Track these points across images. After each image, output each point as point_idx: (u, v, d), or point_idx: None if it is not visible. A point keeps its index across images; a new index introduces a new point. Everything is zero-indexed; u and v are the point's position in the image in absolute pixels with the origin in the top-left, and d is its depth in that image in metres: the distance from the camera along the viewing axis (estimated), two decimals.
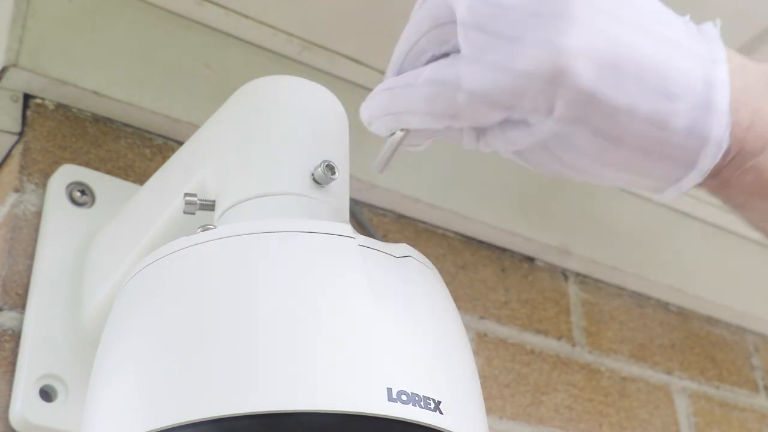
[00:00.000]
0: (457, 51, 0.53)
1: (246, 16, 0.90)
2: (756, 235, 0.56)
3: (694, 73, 0.51)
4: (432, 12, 0.54)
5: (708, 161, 0.51)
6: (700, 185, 0.53)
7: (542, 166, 0.55)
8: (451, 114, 0.52)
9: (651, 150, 0.51)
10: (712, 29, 0.54)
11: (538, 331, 1.02)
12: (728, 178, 0.53)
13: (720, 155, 0.51)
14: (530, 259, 1.06)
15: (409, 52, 0.55)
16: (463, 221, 0.99)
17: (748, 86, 0.52)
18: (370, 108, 0.55)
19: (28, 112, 0.81)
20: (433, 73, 0.52)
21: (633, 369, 1.08)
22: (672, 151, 0.51)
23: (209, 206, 0.60)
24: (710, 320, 1.20)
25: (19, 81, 0.80)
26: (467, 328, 0.68)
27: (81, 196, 0.79)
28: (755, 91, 0.52)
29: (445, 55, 0.54)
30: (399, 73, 0.56)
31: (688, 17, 0.55)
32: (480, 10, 0.51)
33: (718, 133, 0.51)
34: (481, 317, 0.98)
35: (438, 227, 1.00)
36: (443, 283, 0.57)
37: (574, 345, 1.05)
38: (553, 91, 0.50)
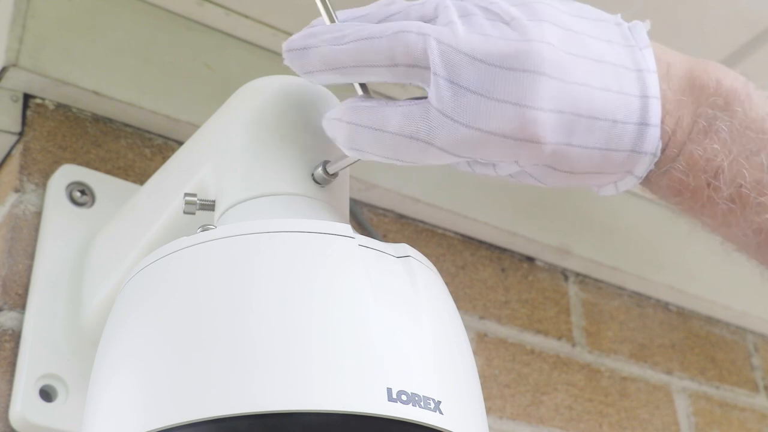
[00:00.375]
0: (417, 87, 0.53)
1: (246, 16, 0.90)
2: None
3: (633, 90, 0.54)
4: (405, 50, 0.52)
5: (643, 170, 0.55)
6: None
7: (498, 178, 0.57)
8: (419, 162, 0.53)
9: (597, 171, 0.54)
10: (641, 30, 0.56)
11: (538, 331, 1.02)
12: (649, 179, 0.56)
13: (653, 164, 0.54)
14: (530, 259, 1.06)
15: (359, 65, 0.54)
16: (463, 221, 0.99)
17: (672, 93, 0.55)
18: (333, 132, 0.55)
19: (28, 112, 0.81)
20: (404, 125, 0.52)
21: (633, 369, 1.08)
22: (615, 168, 0.54)
23: (209, 206, 0.60)
24: (710, 320, 1.20)
25: (19, 81, 0.80)
26: (467, 328, 0.68)
27: (81, 196, 0.79)
28: (678, 98, 0.55)
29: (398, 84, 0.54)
30: (334, 67, 0.54)
31: (619, 17, 0.56)
32: (451, 58, 0.51)
33: (652, 147, 0.54)
34: (481, 317, 0.98)
35: (438, 227, 1.00)
36: (443, 283, 0.57)
37: (574, 345, 1.05)
38: (519, 150, 0.52)
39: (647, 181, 0.56)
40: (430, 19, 0.54)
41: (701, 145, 0.54)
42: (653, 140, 0.54)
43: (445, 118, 0.51)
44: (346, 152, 0.55)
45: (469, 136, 0.51)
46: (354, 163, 0.57)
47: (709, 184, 0.55)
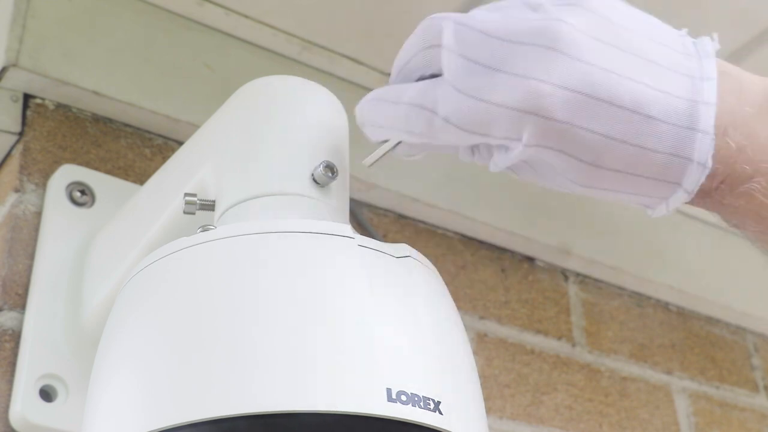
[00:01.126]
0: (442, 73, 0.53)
1: (246, 16, 0.90)
2: None
3: (679, 92, 0.51)
4: (423, 34, 0.54)
5: (692, 182, 0.51)
6: (695, 203, 0.53)
7: (534, 181, 0.56)
8: (428, 136, 0.53)
9: (632, 171, 0.51)
10: (708, 44, 0.53)
11: (538, 331, 1.02)
12: (720, 200, 0.52)
13: (704, 177, 0.51)
14: (530, 259, 1.06)
15: (402, 69, 0.56)
16: (463, 221, 0.99)
17: (743, 107, 0.51)
18: (362, 113, 0.57)
19: (28, 112, 0.81)
20: (416, 95, 0.54)
21: (633, 369, 1.08)
22: (654, 172, 0.51)
23: (209, 206, 0.60)
24: (710, 320, 1.20)
25: (19, 81, 0.80)
26: (467, 328, 0.68)
27: (81, 196, 0.79)
28: (751, 112, 0.51)
29: (434, 75, 0.54)
30: (395, 83, 0.57)
31: (685, 31, 0.54)
32: (465, 35, 0.52)
33: (701, 155, 0.50)
34: (481, 317, 0.98)
35: (438, 227, 1.00)
36: (443, 283, 0.57)
37: (574, 345, 1.05)
38: (523, 124, 0.51)
39: (717, 203, 0.52)
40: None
41: None
42: (703, 148, 0.50)
43: (453, 90, 0.52)
44: (371, 132, 0.57)
45: (474, 107, 0.51)
46: (389, 150, 0.57)
47: None
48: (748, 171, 0.51)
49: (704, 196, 0.52)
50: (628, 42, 0.52)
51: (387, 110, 0.55)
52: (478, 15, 0.53)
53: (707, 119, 0.50)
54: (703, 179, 0.51)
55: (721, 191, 0.52)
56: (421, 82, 0.54)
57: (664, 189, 0.52)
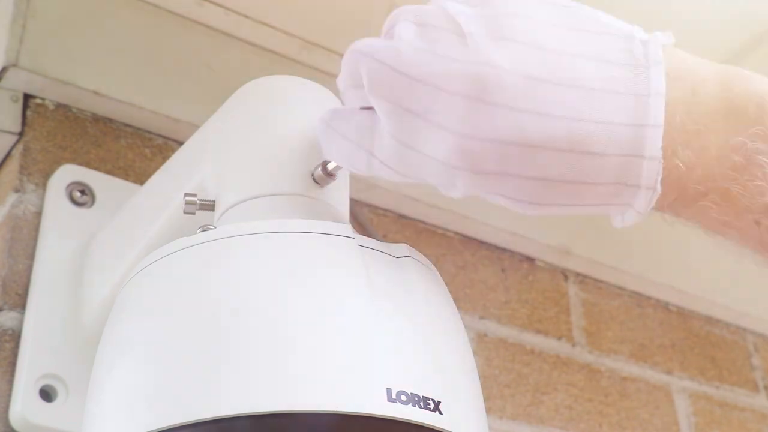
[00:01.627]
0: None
1: (246, 16, 0.90)
2: None
3: (622, 118, 0.48)
4: (348, 70, 0.52)
5: (643, 205, 0.49)
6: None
7: None
8: (371, 174, 0.53)
9: (576, 203, 0.50)
10: (655, 45, 0.49)
11: (538, 331, 1.02)
12: (676, 214, 0.51)
13: (653, 200, 0.49)
14: (530, 259, 1.06)
15: (344, 89, 0.54)
16: (463, 221, 0.99)
17: (694, 119, 0.48)
18: (320, 138, 0.55)
19: (28, 112, 0.81)
20: (356, 134, 0.52)
21: (633, 369, 1.08)
22: (600, 201, 0.50)
23: (209, 206, 0.60)
24: (710, 320, 1.20)
25: (19, 81, 0.80)
26: (467, 328, 0.68)
27: (81, 196, 0.79)
28: (701, 125, 0.48)
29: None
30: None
31: (635, 29, 0.50)
32: (386, 77, 0.49)
33: (649, 181, 0.48)
34: (481, 317, 0.98)
35: (438, 227, 1.00)
36: (443, 283, 0.57)
37: (574, 345, 1.05)
38: (453, 175, 0.49)
39: (676, 215, 0.51)
40: (390, 30, 0.52)
41: (739, 183, 0.48)
42: (651, 174, 0.48)
43: (386, 135, 0.50)
44: (325, 156, 0.56)
45: (407, 156, 0.50)
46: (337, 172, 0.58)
47: (759, 223, 0.49)
48: (700, 189, 0.49)
49: (660, 210, 0.51)
50: (563, 71, 0.48)
51: (337, 142, 0.54)
52: (399, 44, 0.50)
53: (654, 144, 0.48)
54: (653, 203, 0.49)
55: (675, 207, 0.50)
56: (360, 117, 0.52)
57: (614, 209, 0.51)
